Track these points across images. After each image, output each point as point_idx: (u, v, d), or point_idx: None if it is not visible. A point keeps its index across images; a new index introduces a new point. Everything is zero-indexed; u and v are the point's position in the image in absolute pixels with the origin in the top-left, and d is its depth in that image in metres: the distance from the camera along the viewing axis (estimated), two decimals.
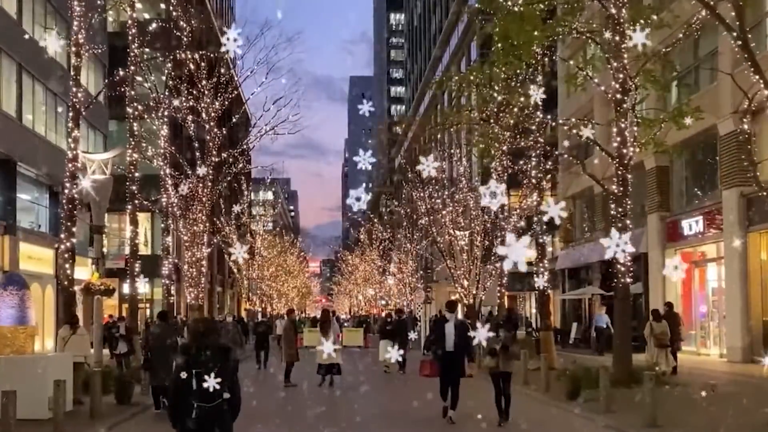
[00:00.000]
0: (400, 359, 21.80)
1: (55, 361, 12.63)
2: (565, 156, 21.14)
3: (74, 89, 15.51)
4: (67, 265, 15.68)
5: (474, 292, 31.20)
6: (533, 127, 19.53)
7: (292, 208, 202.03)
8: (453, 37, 62.59)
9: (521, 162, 25.91)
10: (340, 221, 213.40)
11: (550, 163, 24.15)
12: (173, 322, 19.00)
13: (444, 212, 31.93)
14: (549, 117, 17.05)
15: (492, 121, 19.17)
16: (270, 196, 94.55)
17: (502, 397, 12.08)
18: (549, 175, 26.32)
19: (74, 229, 15.88)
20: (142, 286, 39.38)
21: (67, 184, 15.73)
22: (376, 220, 64.40)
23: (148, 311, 41.13)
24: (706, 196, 25.20)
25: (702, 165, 25.74)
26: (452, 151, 35.06)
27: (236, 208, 42.81)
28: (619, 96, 15.99)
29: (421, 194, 34.81)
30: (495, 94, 16.17)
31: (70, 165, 15.61)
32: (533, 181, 20.97)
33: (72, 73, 15.54)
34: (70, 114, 15.75)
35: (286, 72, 44.37)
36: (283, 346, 19.84)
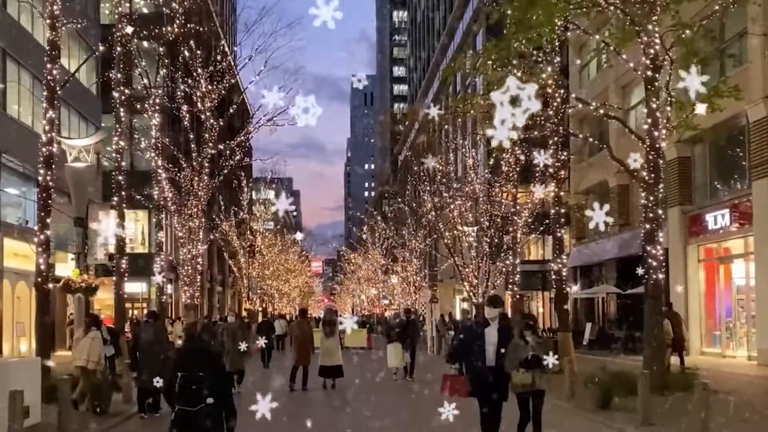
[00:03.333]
0: (408, 362, 20.47)
1: (18, 368, 11.11)
2: (590, 139, 19.60)
3: (49, 66, 14.04)
4: (41, 260, 14.19)
5: (482, 290, 29.77)
6: (551, 112, 18.00)
7: (294, 207, 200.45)
8: (457, 32, 61.34)
9: (535, 152, 24.42)
10: (342, 221, 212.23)
11: (565, 153, 22.71)
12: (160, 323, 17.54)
13: (452, 206, 30.51)
14: (573, 95, 15.53)
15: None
16: (271, 195, 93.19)
17: (528, 423, 9.18)
18: (563, 167, 24.76)
19: (49, 220, 14.39)
20: (140, 285, 38.48)
21: (41, 170, 14.24)
22: (379, 218, 62.95)
23: (145, 311, 39.57)
24: (733, 187, 23.71)
25: (727, 155, 24.24)
26: (460, 141, 33.59)
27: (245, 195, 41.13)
28: (649, 73, 14.52)
29: (428, 188, 33.40)
30: (515, 70, 14.65)
31: (44, 149, 14.13)
32: (550, 170, 19.43)
33: (47, 48, 14.07)
34: (44, 93, 14.29)
35: (285, 63, 42.97)
36: (294, 347, 18.51)
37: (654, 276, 14.59)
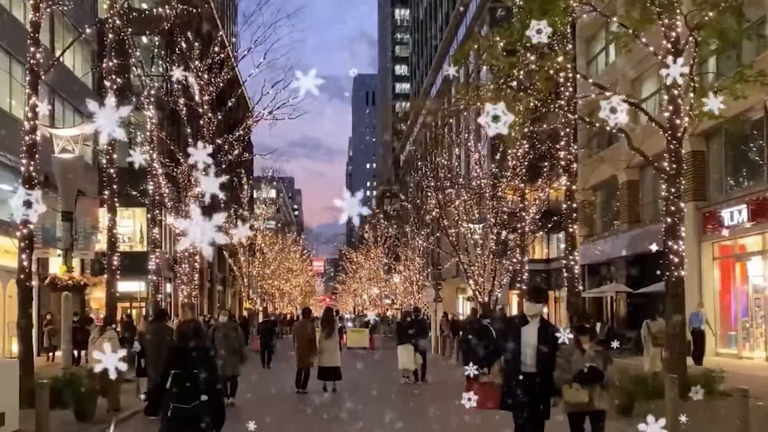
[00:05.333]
0: (420, 364, 19.53)
1: None
2: (607, 127, 18.72)
3: (32, 49, 13.20)
4: (23, 255, 13.37)
5: (489, 288, 28.92)
6: (562, 102, 17.15)
7: (295, 206, 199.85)
8: (461, 28, 60.62)
9: (545, 146, 23.62)
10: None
11: (575, 146, 21.86)
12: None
13: (457, 202, 29.66)
14: (591, 80, 14.68)
15: (517, 93, 16.74)
16: (272, 193, 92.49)
17: None
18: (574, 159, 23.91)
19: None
20: (138, 284, 37.60)
21: (24, 160, 13.40)
22: (381, 217, 62.13)
23: (143, 310, 38.74)
24: (751, 182, 22.84)
25: (743, 149, 23.37)
26: (464, 136, 32.74)
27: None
28: (671, 57, 13.65)
29: (432, 184, 32.59)
30: (527, 53, 13.83)
31: (27, 138, 13.30)
32: (561, 163, 18.57)
33: (30, 31, 13.23)
34: (27, 78, 13.46)
35: (285, 55, 42.15)
36: (296, 348, 17.67)
37: (675, 273, 13.74)
